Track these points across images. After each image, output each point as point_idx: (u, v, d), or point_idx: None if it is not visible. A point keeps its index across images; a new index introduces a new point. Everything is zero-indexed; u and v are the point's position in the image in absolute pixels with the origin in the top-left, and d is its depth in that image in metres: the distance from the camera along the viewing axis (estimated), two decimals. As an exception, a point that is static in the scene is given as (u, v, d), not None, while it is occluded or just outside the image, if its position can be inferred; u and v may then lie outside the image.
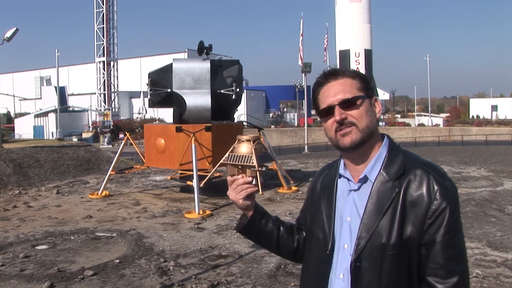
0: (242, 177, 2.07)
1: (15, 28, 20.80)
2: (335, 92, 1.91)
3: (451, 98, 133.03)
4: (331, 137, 1.94)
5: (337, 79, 1.93)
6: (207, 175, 12.93)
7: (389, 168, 1.88)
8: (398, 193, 1.83)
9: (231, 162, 2.13)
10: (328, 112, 1.92)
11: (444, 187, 1.81)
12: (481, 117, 65.82)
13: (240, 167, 2.09)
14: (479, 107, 73.92)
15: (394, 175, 1.85)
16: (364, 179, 1.92)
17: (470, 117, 69.24)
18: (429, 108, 76.49)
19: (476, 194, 13.05)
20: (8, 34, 20.47)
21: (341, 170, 2.02)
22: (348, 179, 1.98)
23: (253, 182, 2.07)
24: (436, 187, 1.80)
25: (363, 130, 1.88)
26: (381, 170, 1.88)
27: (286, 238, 2.22)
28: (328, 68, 2.03)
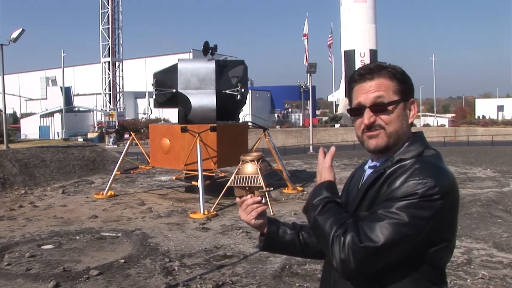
0: (251, 197, 2.07)
1: (21, 29, 20.87)
2: (368, 92, 1.88)
3: (456, 98, 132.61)
4: (359, 136, 1.94)
5: (373, 79, 1.88)
6: (212, 175, 12.93)
7: (399, 155, 1.86)
8: (381, 175, 1.82)
9: (238, 185, 2.14)
10: (357, 111, 1.90)
11: (416, 183, 1.71)
12: (487, 117, 65.51)
13: (247, 188, 2.09)
14: (485, 108, 73.62)
15: (395, 161, 1.84)
16: (374, 166, 1.95)
17: (476, 117, 68.94)
18: (435, 109, 76.30)
19: (482, 195, 13.00)
20: (14, 34, 20.54)
21: (368, 164, 2.02)
22: (369, 166, 1.99)
23: (263, 201, 2.07)
24: (409, 179, 1.73)
25: (391, 135, 1.86)
26: (393, 156, 1.87)
27: (309, 241, 2.22)
28: (369, 63, 1.98)
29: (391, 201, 1.71)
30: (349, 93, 1.99)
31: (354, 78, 1.95)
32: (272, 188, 2.04)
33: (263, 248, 2.22)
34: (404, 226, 1.66)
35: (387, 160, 1.87)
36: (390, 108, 1.85)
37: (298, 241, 2.21)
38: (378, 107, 1.85)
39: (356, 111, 1.91)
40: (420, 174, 1.72)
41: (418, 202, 1.67)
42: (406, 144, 1.88)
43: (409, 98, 1.90)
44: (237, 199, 2.11)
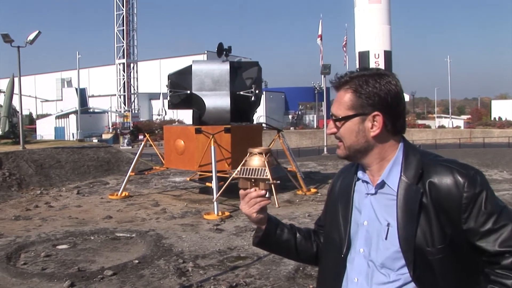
0: (255, 190, 2.03)
1: (37, 31, 21.08)
2: (334, 104, 1.92)
3: (472, 99, 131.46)
4: None
5: (338, 90, 1.91)
6: (226, 177, 12.93)
7: (408, 171, 1.82)
8: (422, 194, 1.76)
9: (243, 176, 2.08)
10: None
11: (470, 178, 1.76)
12: (503, 118, 64.73)
13: (253, 180, 2.05)
14: (501, 109, 72.72)
15: (414, 177, 1.80)
16: (382, 184, 1.87)
17: (492, 118, 68.16)
18: (450, 110, 75.72)
19: (499, 197, 12.84)
20: (31, 37, 20.75)
21: (360, 173, 1.98)
22: (367, 182, 1.94)
23: (267, 195, 2.04)
24: (462, 180, 1.74)
25: (349, 148, 1.89)
26: (402, 176, 1.83)
27: (304, 244, 2.20)
28: (346, 72, 1.97)
29: (473, 210, 1.75)
30: None
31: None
32: (279, 181, 2.01)
33: (257, 243, 2.20)
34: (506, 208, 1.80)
35: (401, 181, 1.82)
36: (338, 124, 1.89)
37: (293, 243, 2.19)
38: (333, 120, 1.90)
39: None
40: (460, 173, 1.77)
41: (488, 190, 1.80)
42: (403, 158, 1.86)
43: (369, 112, 1.84)
44: (241, 191, 2.07)
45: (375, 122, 1.84)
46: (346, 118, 1.86)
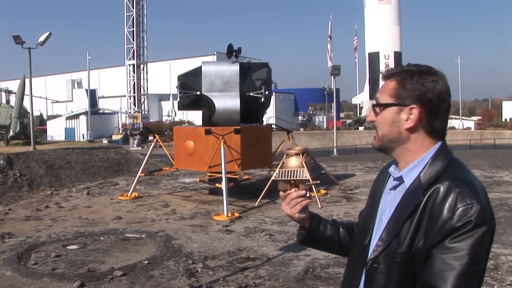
0: (295, 190, 2.04)
1: (48, 33, 21.19)
2: (378, 92, 1.92)
3: (482, 100, 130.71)
4: None
5: (386, 80, 1.92)
6: (235, 178, 12.96)
7: (426, 174, 1.80)
8: (420, 202, 1.75)
9: (282, 178, 2.07)
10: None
11: (466, 208, 1.66)
12: (514, 120, 64.41)
13: (292, 182, 2.05)
14: (512, 110, 72.37)
15: (426, 183, 1.78)
16: (400, 179, 1.87)
17: (503, 120, 67.67)
18: (460, 111, 75.24)
19: (510, 199, 12.79)
20: (42, 38, 20.85)
21: (392, 168, 1.98)
22: (394, 178, 1.94)
23: (307, 195, 2.05)
24: (458, 206, 1.67)
25: (383, 139, 1.88)
26: (420, 175, 1.81)
27: (348, 239, 2.22)
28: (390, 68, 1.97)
29: (446, 238, 1.67)
30: None
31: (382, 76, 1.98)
32: (318, 181, 1.99)
33: (302, 241, 2.23)
34: (474, 266, 1.65)
35: (416, 180, 1.81)
36: (377, 110, 1.87)
37: (337, 238, 2.22)
38: (373, 107, 1.89)
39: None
40: (463, 199, 1.68)
41: (475, 234, 1.64)
42: (430, 160, 1.83)
43: (408, 103, 1.82)
44: (281, 193, 2.08)
45: (411, 115, 1.82)
46: (385, 105, 1.86)
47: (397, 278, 1.76)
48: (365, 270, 1.84)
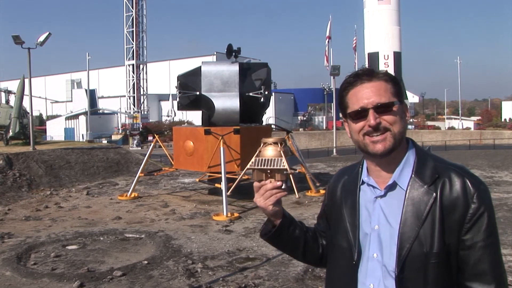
0: (270, 181, 1.95)
1: (47, 33, 21.19)
2: (369, 94, 1.82)
3: (482, 100, 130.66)
4: (358, 139, 1.86)
5: (371, 81, 1.84)
6: (235, 178, 12.93)
7: (422, 172, 1.80)
8: (435, 199, 1.75)
9: (258, 167, 2.00)
10: (359, 114, 1.83)
11: (480, 190, 1.75)
12: (514, 120, 64.42)
13: (269, 171, 1.95)
14: (511, 110, 72.39)
15: (429, 180, 1.78)
16: (392, 185, 1.84)
17: (502, 120, 67.73)
18: (460, 111, 75.35)
19: (509, 199, 12.80)
20: (41, 38, 20.86)
21: (364, 177, 1.93)
22: (374, 186, 1.89)
23: (283, 187, 1.95)
24: (472, 190, 1.74)
25: (396, 136, 1.80)
26: (413, 176, 1.81)
27: (312, 245, 2.15)
28: (361, 68, 1.95)
29: (475, 223, 1.75)
30: (341, 99, 1.92)
31: (350, 81, 1.88)
32: (296, 170, 1.94)
33: (267, 237, 2.12)
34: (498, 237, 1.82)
35: (412, 180, 1.81)
36: (394, 108, 1.82)
37: (302, 243, 2.13)
38: (384, 108, 1.80)
39: (356, 115, 1.84)
40: (473, 184, 1.77)
41: (492, 209, 1.78)
42: (415, 158, 1.86)
43: (403, 101, 1.88)
44: (255, 183, 1.97)
45: (405, 110, 1.89)
46: (396, 103, 1.83)
47: (437, 279, 1.74)
48: (395, 282, 1.76)
